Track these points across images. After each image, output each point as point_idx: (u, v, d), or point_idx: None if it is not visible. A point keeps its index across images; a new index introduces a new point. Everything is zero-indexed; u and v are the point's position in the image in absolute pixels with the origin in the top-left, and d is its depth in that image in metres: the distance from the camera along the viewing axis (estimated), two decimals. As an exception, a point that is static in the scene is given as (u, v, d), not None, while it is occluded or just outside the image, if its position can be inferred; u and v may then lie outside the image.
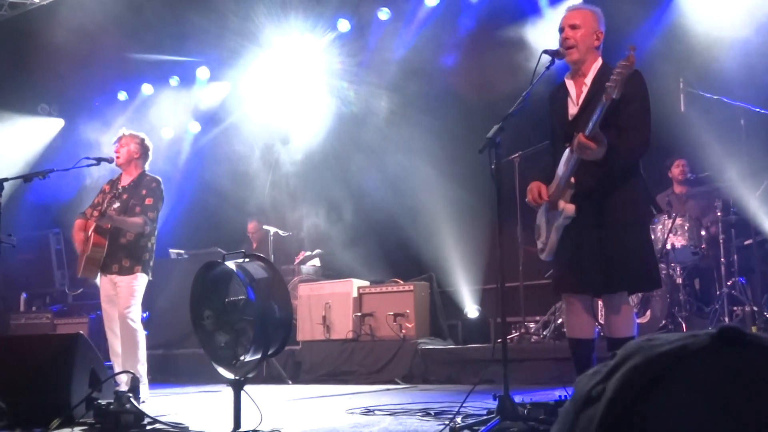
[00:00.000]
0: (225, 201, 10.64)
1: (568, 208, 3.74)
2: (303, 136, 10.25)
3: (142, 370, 5.74)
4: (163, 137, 11.34)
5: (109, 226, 5.75)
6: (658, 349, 0.72)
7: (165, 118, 11.37)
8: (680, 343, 0.73)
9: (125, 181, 6.05)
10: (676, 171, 7.53)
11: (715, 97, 6.60)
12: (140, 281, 5.83)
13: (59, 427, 3.73)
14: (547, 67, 3.89)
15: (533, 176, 4.10)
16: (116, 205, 5.85)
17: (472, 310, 8.51)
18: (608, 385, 0.71)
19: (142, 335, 5.79)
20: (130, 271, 5.79)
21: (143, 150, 6.08)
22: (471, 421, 3.42)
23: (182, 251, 9.64)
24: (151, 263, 5.96)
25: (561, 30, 4.00)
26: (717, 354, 0.74)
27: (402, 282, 7.83)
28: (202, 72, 11.21)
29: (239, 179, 10.69)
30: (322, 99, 10.17)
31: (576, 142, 3.49)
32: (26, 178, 5.66)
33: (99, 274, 5.86)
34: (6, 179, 5.47)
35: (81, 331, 4.67)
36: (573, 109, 3.94)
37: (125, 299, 5.74)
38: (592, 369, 0.78)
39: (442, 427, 3.39)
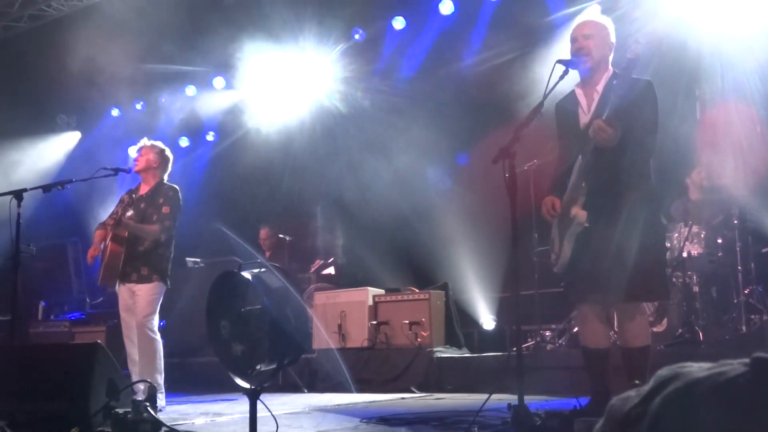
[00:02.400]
0: (241, 209, 10.71)
1: (580, 214, 3.75)
2: (317, 145, 10.28)
3: (159, 379, 5.77)
4: (180, 146, 11.45)
5: (126, 233, 5.80)
6: (696, 374, 0.74)
7: (182, 128, 11.47)
8: (717, 370, 0.75)
9: (143, 190, 6.11)
10: (697, 178, 7.48)
11: (731, 103, 6.58)
12: (158, 290, 5.87)
13: (77, 436, 3.76)
14: (561, 77, 3.91)
15: (547, 190, 4.11)
16: (130, 212, 5.91)
17: (488, 321, 8.49)
18: (649, 409, 0.73)
19: (159, 344, 5.83)
20: (148, 280, 5.83)
21: (162, 160, 6.13)
22: (486, 431, 3.41)
23: (199, 260, 9.69)
24: (170, 272, 6.00)
25: (574, 40, 4.01)
26: (753, 381, 0.77)
27: (417, 290, 7.84)
28: (218, 82, 11.30)
29: (255, 187, 10.75)
30: (337, 107, 10.21)
31: (594, 125, 3.52)
32: (45, 188, 5.72)
33: (117, 282, 5.92)
34: (25, 189, 5.55)
35: (99, 341, 4.70)
36: (584, 119, 3.95)
37: (143, 308, 5.79)
38: (624, 394, 0.80)
39: (458, 436, 3.40)
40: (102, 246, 5.94)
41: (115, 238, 5.81)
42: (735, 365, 0.80)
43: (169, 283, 5.97)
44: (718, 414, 0.72)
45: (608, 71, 3.97)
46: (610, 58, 4.00)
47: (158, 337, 5.85)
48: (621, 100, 3.59)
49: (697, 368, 0.78)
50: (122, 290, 5.94)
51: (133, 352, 5.91)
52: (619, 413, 0.76)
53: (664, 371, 0.78)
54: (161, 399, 5.78)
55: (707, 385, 0.73)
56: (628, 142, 3.59)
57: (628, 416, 0.75)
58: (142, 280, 5.83)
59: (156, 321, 5.86)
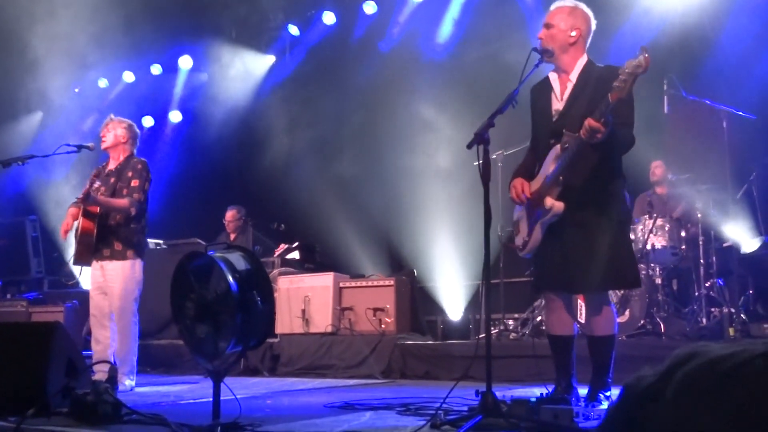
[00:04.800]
0: (203, 191, 10.60)
1: (557, 205, 3.75)
2: (286, 128, 10.20)
3: (133, 360, 5.73)
4: (143, 126, 11.26)
5: (98, 209, 5.70)
6: (717, 352, 0.72)
7: (145, 107, 11.29)
8: (739, 348, 0.74)
9: (112, 165, 6.01)
10: (657, 172, 7.58)
11: (698, 100, 6.64)
12: (135, 267, 5.79)
13: (35, 416, 3.67)
14: (536, 65, 3.89)
15: (515, 173, 4.11)
16: (102, 188, 5.82)
17: (454, 310, 8.51)
18: (669, 386, 0.71)
19: (137, 327, 5.77)
20: (122, 256, 5.74)
21: (130, 135, 6.03)
22: (452, 417, 3.40)
23: (160, 241, 9.56)
24: (145, 246, 5.92)
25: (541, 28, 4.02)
26: None
27: (383, 276, 7.81)
28: (185, 61, 11.13)
29: (218, 169, 10.64)
30: (306, 90, 10.13)
31: (587, 124, 3.48)
32: (5, 163, 5.58)
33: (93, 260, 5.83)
34: (-16, 164, 5.40)
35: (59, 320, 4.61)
36: (557, 105, 3.95)
37: (121, 288, 5.71)
38: (638, 372, 0.78)
39: (423, 422, 3.38)
40: (75, 224, 5.82)
41: (87, 214, 5.70)
42: (757, 344, 0.79)
43: (143, 257, 5.89)
44: (739, 391, 0.70)
45: (581, 58, 3.96)
46: (584, 44, 3.98)
47: (136, 318, 5.78)
48: (597, 92, 3.58)
49: (718, 347, 0.77)
50: (95, 268, 5.83)
51: (98, 333, 5.81)
52: (637, 390, 0.74)
53: (681, 350, 0.76)
54: (132, 380, 5.72)
55: (729, 363, 0.72)
56: (608, 138, 3.59)
57: (646, 393, 0.73)
58: (115, 255, 5.74)
59: (133, 300, 5.77)
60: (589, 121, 3.49)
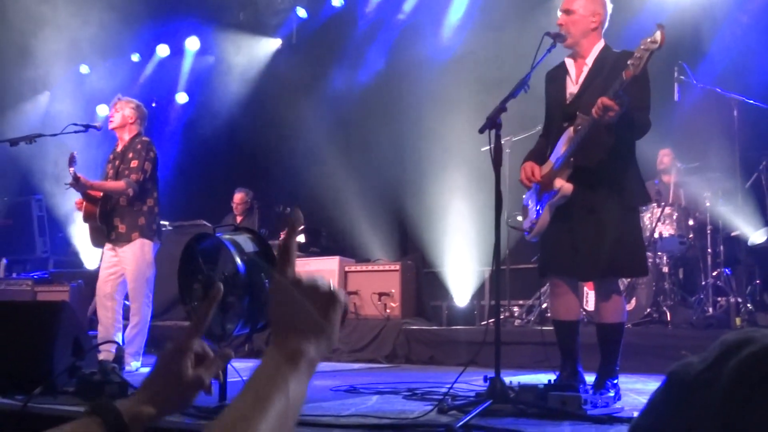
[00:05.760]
0: (207, 173, 10.58)
1: (566, 187, 3.72)
2: (293, 111, 10.16)
3: (141, 341, 5.74)
4: (150, 106, 11.21)
5: (100, 193, 5.69)
6: None
7: (152, 88, 11.25)
8: None
9: (119, 147, 6.00)
10: (665, 160, 7.54)
11: (709, 87, 6.60)
12: (144, 248, 5.75)
13: (41, 395, 3.67)
14: (549, 50, 3.86)
15: (526, 157, 4.09)
16: (110, 171, 5.83)
17: (461, 297, 8.48)
18: (722, 373, 0.69)
19: (147, 309, 5.77)
20: (127, 238, 5.73)
21: (139, 114, 6.00)
22: (459, 402, 3.39)
23: (166, 222, 9.55)
24: (154, 227, 5.88)
25: (559, 14, 3.98)
26: None
27: (388, 261, 7.80)
28: (192, 42, 11.09)
29: (223, 152, 10.62)
30: (313, 73, 10.09)
31: (600, 102, 3.45)
32: (12, 142, 5.57)
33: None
34: (-9, 143, 5.39)
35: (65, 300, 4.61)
36: (572, 88, 3.93)
37: (131, 272, 5.70)
38: (684, 359, 0.76)
39: (431, 407, 3.37)
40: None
41: (89, 198, 5.70)
42: None
43: (157, 239, 5.87)
44: None
45: (598, 43, 3.93)
46: (601, 29, 3.95)
47: (149, 300, 5.77)
48: (612, 76, 3.54)
49: None
50: (107, 250, 5.85)
51: (101, 313, 5.82)
52: (685, 379, 0.72)
53: (730, 336, 0.73)
54: (137, 360, 5.74)
55: None
56: (623, 120, 3.56)
57: (696, 382, 0.71)
58: (120, 238, 5.74)
59: (145, 282, 5.75)
60: (603, 99, 3.46)
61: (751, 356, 0.67)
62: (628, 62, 3.40)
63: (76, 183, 5.54)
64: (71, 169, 5.59)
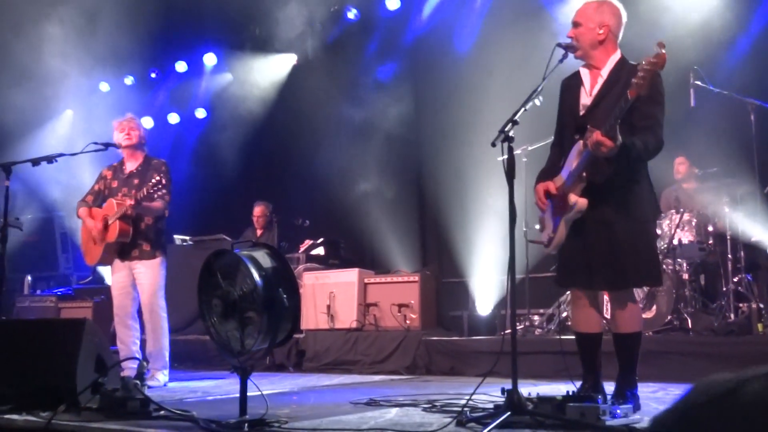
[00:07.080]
0: (227, 188, 10.66)
1: (580, 202, 3.72)
2: (309, 122, 10.21)
3: (166, 356, 5.86)
4: (169, 122, 11.36)
5: (133, 212, 5.79)
6: None
7: (172, 104, 11.38)
8: None
9: (131, 166, 6.06)
10: (681, 169, 7.51)
11: (726, 92, 6.56)
12: (162, 265, 5.95)
13: (65, 411, 3.72)
14: (560, 60, 3.86)
15: (538, 177, 4.09)
16: (123, 189, 5.92)
17: (483, 307, 8.47)
18: (750, 390, 0.69)
19: (166, 322, 5.89)
20: (151, 256, 5.87)
21: (146, 134, 6.20)
22: (478, 414, 3.40)
23: (187, 237, 9.64)
24: (166, 244, 6.14)
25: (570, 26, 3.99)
26: None
27: (407, 272, 7.82)
28: (209, 58, 11.20)
29: (241, 166, 10.69)
30: (329, 86, 10.14)
31: (593, 138, 3.46)
32: (34, 162, 5.65)
33: (116, 260, 5.92)
34: (14, 162, 5.48)
35: (87, 317, 4.67)
36: (585, 100, 3.92)
37: (151, 285, 5.85)
38: (715, 374, 0.77)
39: (449, 419, 3.38)
40: (89, 224, 5.94)
41: (123, 217, 5.79)
42: None
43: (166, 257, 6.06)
44: None
45: (614, 54, 3.91)
46: (615, 39, 3.93)
47: (165, 314, 5.90)
48: (626, 90, 3.50)
49: None
50: (119, 268, 5.92)
51: (121, 332, 5.91)
52: (713, 390, 0.73)
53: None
54: (165, 375, 5.83)
55: None
56: (622, 152, 3.55)
57: (724, 395, 0.72)
58: (144, 256, 5.87)
59: (162, 298, 5.94)
60: (596, 134, 3.46)
61: None
62: (633, 81, 3.40)
63: (138, 205, 5.67)
64: (136, 192, 5.77)
